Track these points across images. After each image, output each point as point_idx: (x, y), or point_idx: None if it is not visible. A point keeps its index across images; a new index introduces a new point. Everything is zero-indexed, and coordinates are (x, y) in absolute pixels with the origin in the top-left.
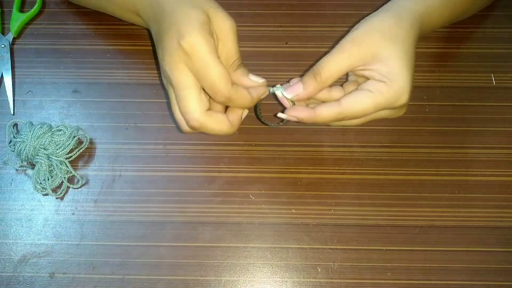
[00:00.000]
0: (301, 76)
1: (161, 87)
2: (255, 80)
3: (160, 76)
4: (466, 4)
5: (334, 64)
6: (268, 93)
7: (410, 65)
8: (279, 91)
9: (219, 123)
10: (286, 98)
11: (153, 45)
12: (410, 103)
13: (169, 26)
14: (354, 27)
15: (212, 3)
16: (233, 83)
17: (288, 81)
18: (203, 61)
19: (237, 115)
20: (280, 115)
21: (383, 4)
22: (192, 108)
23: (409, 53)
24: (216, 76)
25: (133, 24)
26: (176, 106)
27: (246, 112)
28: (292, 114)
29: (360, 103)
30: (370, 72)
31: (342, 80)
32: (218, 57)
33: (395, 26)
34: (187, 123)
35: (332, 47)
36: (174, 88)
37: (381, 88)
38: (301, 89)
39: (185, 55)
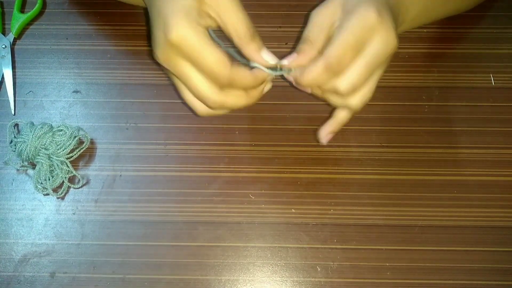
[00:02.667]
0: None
1: (162, 87)
2: (266, 59)
3: (159, 77)
4: None
5: (316, 27)
6: (273, 76)
7: (394, 27)
8: (280, 72)
9: (238, 98)
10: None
11: None
12: (409, 103)
13: (156, 15)
14: None
15: None
16: (233, 64)
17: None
18: (195, 50)
19: (256, 91)
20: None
21: None
22: (206, 93)
23: (394, 24)
24: (212, 62)
25: (134, 25)
26: (186, 92)
27: (268, 85)
28: (290, 74)
29: (337, 40)
30: (339, 20)
31: None
32: (211, 42)
33: None
34: (208, 105)
35: None
36: (181, 79)
37: (347, 18)
38: (295, 55)
39: (176, 48)
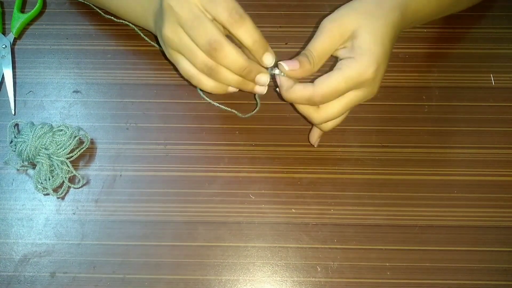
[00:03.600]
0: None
1: (162, 87)
2: (267, 60)
3: (159, 77)
4: None
5: (319, 44)
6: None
7: (382, 42)
8: (277, 71)
9: (237, 51)
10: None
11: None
12: (409, 103)
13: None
14: (336, 10)
15: None
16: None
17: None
18: (190, 14)
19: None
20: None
21: None
22: (201, 56)
23: (385, 32)
24: (205, 23)
25: (134, 25)
26: (186, 64)
27: (262, 89)
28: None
29: (330, 80)
30: (345, 50)
31: None
32: (205, 16)
33: (374, 7)
34: (207, 72)
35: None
36: (181, 50)
37: (349, 63)
38: (298, 65)
39: (176, 17)
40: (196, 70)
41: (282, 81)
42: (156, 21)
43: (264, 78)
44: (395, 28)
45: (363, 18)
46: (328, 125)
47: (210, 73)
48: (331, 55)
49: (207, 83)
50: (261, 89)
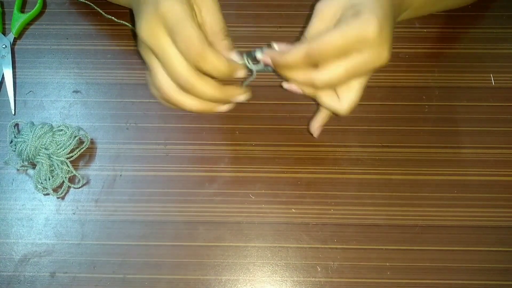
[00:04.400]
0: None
1: None
2: (235, 60)
3: None
4: None
5: (313, 27)
6: (245, 66)
7: (382, 5)
8: (258, 54)
9: (208, 86)
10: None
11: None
12: (409, 103)
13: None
14: None
15: None
16: (210, 46)
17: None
18: (178, 18)
19: (230, 89)
20: (257, 54)
21: None
22: (179, 68)
23: (383, 1)
24: (190, 30)
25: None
26: (159, 71)
27: (244, 96)
28: (267, 53)
29: (327, 35)
30: (344, 18)
31: None
32: (194, 20)
33: None
34: (178, 82)
35: None
36: (157, 54)
37: (347, 20)
38: (283, 45)
39: (161, 19)
40: (190, 68)
41: (271, 55)
42: (135, 6)
43: (243, 96)
44: (394, 8)
45: None
46: (344, 105)
47: (187, 86)
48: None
49: (189, 102)
50: (243, 97)
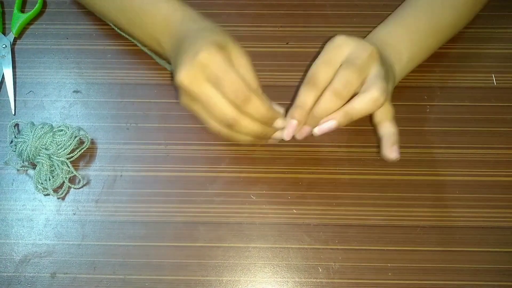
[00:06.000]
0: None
1: (162, 87)
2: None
3: (159, 77)
4: (427, 20)
5: (322, 67)
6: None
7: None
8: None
9: (252, 123)
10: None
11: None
12: (410, 103)
13: (188, 47)
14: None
15: (230, 37)
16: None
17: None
18: (220, 66)
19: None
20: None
21: (381, 4)
22: (224, 109)
23: (385, 76)
24: (235, 75)
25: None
26: (208, 118)
27: (283, 134)
28: (302, 131)
29: (360, 100)
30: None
31: None
32: (233, 66)
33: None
34: (225, 122)
35: None
36: (200, 100)
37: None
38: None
39: (202, 66)
40: (233, 109)
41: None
42: (173, 58)
43: (283, 135)
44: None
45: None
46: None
47: (230, 124)
48: None
49: (249, 124)
50: (281, 135)
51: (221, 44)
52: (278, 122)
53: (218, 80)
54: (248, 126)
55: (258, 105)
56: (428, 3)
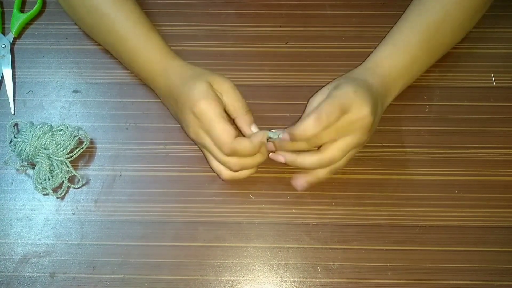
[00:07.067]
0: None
1: None
2: (253, 131)
3: None
4: (425, 43)
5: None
6: (266, 137)
7: (355, 82)
8: (275, 135)
9: (245, 160)
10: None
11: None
12: (410, 103)
13: (183, 104)
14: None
15: (210, 73)
16: (237, 137)
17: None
18: (209, 120)
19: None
20: (271, 155)
21: (380, 4)
22: (223, 157)
23: (357, 82)
24: (220, 130)
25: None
26: (212, 160)
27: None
28: (276, 156)
29: (321, 107)
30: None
31: None
32: (223, 117)
33: (344, 78)
34: (228, 167)
35: (332, 47)
36: (206, 148)
37: (331, 93)
38: (286, 136)
39: (197, 119)
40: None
41: (285, 156)
42: (170, 104)
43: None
44: (369, 85)
45: (337, 83)
46: (325, 172)
47: (236, 168)
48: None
49: (241, 173)
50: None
51: (207, 92)
52: (263, 149)
53: (208, 132)
54: (250, 163)
55: (243, 149)
56: (426, 28)
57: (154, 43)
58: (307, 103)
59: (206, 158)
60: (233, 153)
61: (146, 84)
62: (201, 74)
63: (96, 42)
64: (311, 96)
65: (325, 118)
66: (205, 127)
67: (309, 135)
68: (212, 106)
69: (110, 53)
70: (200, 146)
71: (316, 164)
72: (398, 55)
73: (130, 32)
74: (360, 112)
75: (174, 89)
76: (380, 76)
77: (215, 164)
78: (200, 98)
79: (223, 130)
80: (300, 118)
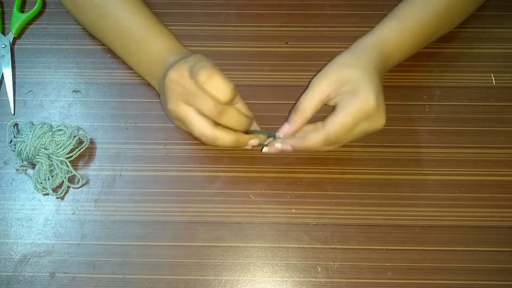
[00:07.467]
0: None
1: None
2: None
3: None
4: (430, 29)
5: (309, 99)
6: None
7: (372, 79)
8: (269, 142)
9: (227, 132)
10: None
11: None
12: (410, 103)
13: (164, 80)
14: (324, 67)
15: (206, 60)
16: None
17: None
18: (191, 86)
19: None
20: (277, 145)
21: (380, 4)
22: (201, 127)
23: (371, 73)
24: (205, 96)
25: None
26: (198, 124)
27: (254, 141)
28: (286, 143)
29: (338, 119)
30: (340, 97)
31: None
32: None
33: (354, 58)
34: (204, 139)
35: (332, 47)
36: (184, 122)
37: (351, 100)
38: (287, 127)
39: (175, 84)
40: (210, 127)
41: (291, 143)
42: (160, 91)
43: (254, 142)
44: (378, 67)
45: (348, 68)
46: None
47: (211, 141)
48: (326, 105)
49: (225, 137)
50: (254, 141)
51: (189, 61)
52: (253, 142)
53: (192, 100)
54: (225, 141)
55: (234, 116)
56: (433, 10)
57: (159, 33)
58: (309, 84)
59: (188, 126)
60: (220, 118)
61: (146, 84)
62: (194, 56)
63: (96, 42)
64: (314, 76)
65: (334, 139)
66: (184, 87)
67: (314, 149)
68: (190, 67)
69: (110, 53)
70: (178, 122)
71: (321, 144)
72: (404, 34)
73: (133, 23)
74: (376, 127)
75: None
76: (383, 55)
77: (199, 124)
78: (178, 63)
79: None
80: (297, 102)
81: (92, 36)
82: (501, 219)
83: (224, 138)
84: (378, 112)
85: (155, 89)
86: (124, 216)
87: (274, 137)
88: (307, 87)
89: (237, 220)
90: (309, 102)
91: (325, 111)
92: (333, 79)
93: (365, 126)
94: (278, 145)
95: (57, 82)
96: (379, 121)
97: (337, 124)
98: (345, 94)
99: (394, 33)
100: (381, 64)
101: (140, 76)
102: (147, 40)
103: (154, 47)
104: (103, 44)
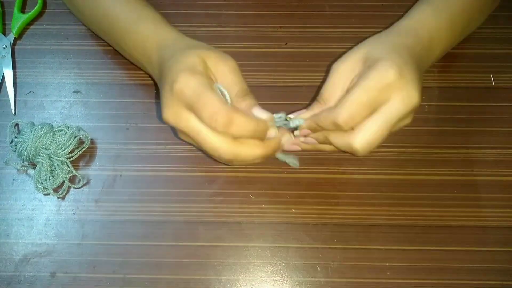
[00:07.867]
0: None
1: None
2: (258, 116)
3: None
4: (464, 17)
5: (330, 87)
6: (274, 123)
7: (398, 52)
8: (296, 121)
9: (252, 147)
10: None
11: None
12: None
13: (164, 79)
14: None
15: (207, 47)
16: (234, 108)
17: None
18: (195, 93)
19: (273, 140)
20: (293, 122)
21: (380, 5)
22: (217, 144)
23: (398, 49)
24: (210, 100)
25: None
26: (205, 146)
27: (287, 136)
28: (306, 140)
29: (350, 95)
30: (360, 75)
31: None
32: (212, 88)
33: (382, 36)
34: (221, 159)
35: (332, 47)
36: (190, 136)
37: (366, 74)
38: (303, 111)
39: (180, 97)
40: (226, 141)
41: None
42: (159, 81)
43: (273, 133)
44: (412, 47)
45: (369, 46)
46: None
47: (231, 158)
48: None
49: (250, 151)
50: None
51: (194, 66)
52: (271, 133)
53: (196, 110)
54: (248, 153)
55: (242, 123)
56: None
57: (148, 18)
58: (330, 70)
59: (196, 143)
60: (228, 128)
61: (146, 85)
62: (194, 47)
63: (96, 42)
64: (335, 62)
65: (346, 121)
66: (190, 100)
67: (337, 127)
68: (197, 77)
69: (110, 53)
70: (182, 134)
71: (331, 124)
72: (441, 18)
73: (121, 11)
74: (406, 104)
75: (163, 65)
76: (418, 37)
77: (211, 139)
78: (182, 70)
79: (215, 98)
80: (320, 88)
81: (93, 37)
82: (501, 219)
83: (249, 151)
84: (404, 81)
85: (155, 90)
86: (125, 216)
87: (286, 119)
88: (327, 71)
89: (237, 220)
90: (332, 89)
91: None
92: (357, 59)
93: (393, 105)
94: (296, 122)
95: (58, 82)
96: (410, 94)
97: (349, 101)
98: (365, 70)
99: (429, 17)
100: (416, 46)
101: (139, 72)
102: (127, 35)
103: (137, 41)
104: (104, 45)
